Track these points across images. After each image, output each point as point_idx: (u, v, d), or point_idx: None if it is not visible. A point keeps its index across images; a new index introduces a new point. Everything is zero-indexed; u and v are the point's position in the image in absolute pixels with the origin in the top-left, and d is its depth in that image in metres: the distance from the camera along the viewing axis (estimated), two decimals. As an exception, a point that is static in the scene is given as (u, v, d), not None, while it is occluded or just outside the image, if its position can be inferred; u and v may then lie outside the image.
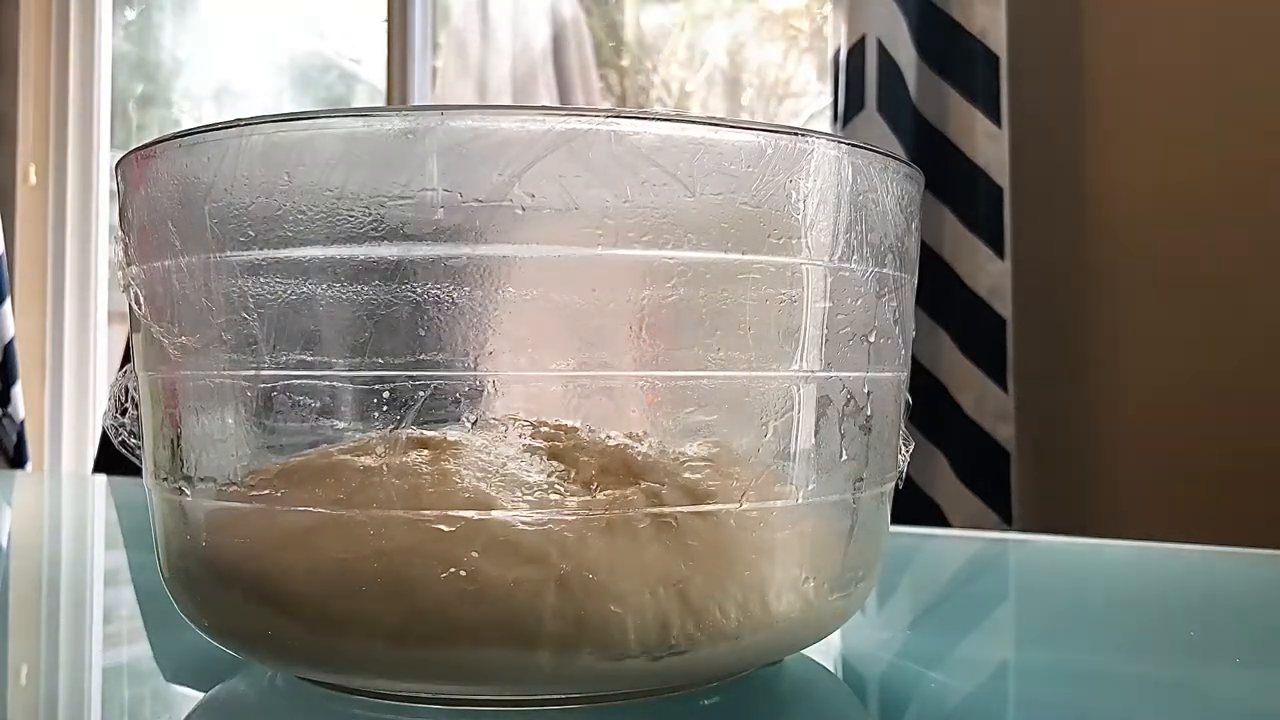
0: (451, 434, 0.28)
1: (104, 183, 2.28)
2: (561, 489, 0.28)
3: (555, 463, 0.29)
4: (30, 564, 0.58)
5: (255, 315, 0.29)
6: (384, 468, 0.28)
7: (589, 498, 0.28)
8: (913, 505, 1.25)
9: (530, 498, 0.28)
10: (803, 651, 0.35)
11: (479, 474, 0.28)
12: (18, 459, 2.00)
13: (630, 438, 0.29)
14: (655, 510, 0.28)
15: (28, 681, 0.37)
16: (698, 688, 0.31)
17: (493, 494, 0.28)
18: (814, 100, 1.90)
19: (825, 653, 0.37)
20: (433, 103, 0.33)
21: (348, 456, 0.29)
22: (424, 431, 0.28)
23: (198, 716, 0.32)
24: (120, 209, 0.34)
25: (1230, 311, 1.23)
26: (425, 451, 0.29)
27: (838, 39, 1.39)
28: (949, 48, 1.30)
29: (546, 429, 0.29)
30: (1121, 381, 1.29)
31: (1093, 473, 1.30)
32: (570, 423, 0.29)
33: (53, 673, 0.38)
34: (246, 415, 0.30)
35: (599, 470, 0.29)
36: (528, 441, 0.29)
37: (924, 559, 0.60)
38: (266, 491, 0.29)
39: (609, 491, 0.28)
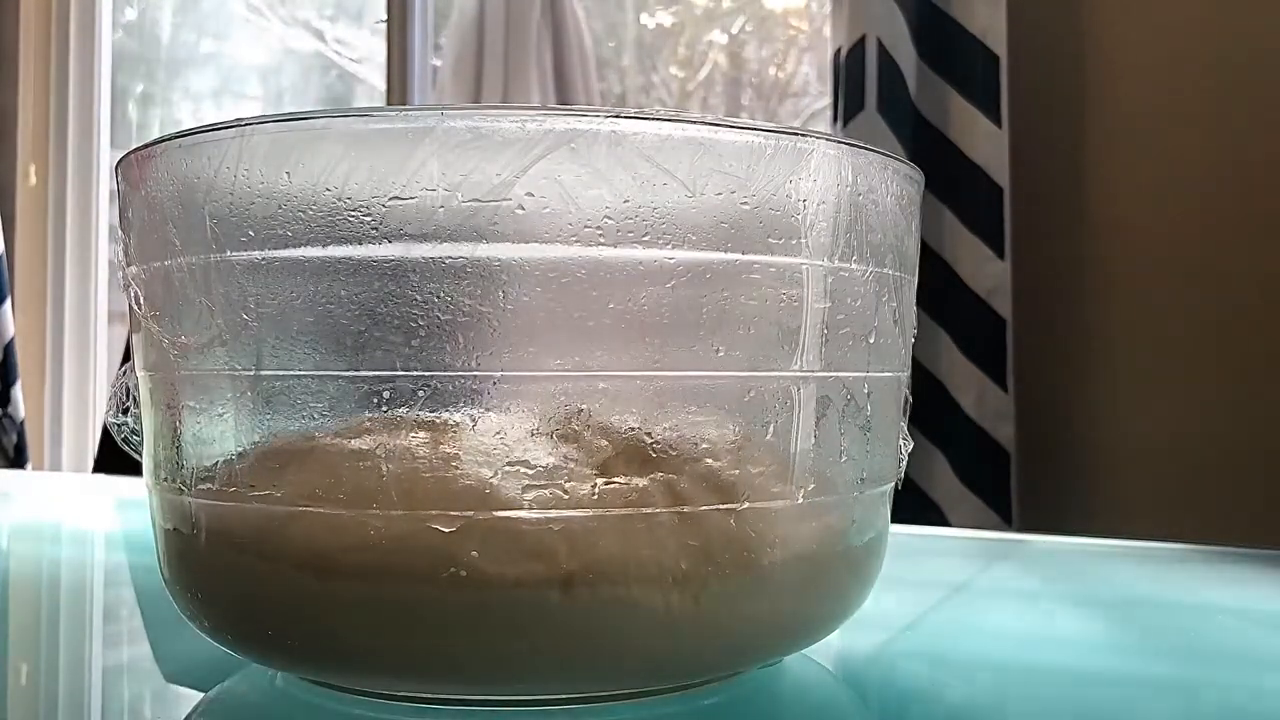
0: (454, 417, 0.28)
1: (104, 183, 2.28)
2: (570, 477, 0.28)
3: (565, 447, 0.28)
4: (30, 564, 0.58)
5: (255, 315, 0.29)
6: (384, 467, 0.28)
7: (598, 487, 0.28)
8: (913, 505, 1.25)
9: (536, 486, 0.28)
10: (803, 651, 0.35)
11: (480, 459, 0.28)
12: (18, 459, 2.00)
13: (645, 422, 0.29)
14: (670, 506, 0.28)
15: (28, 681, 0.37)
16: (698, 687, 0.31)
17: (496, 483, 0.28)
18: (814, 100, 1.90)
19: (825, 653, 0.37)
20: (433, 102, 0.33)
21: (346, 445, 0.29)
22: (425, 414, 0.28)
23: (198, 716, 0.32)
24: (120, 209, 0.34)
25: (1230, 311, 1.23)
26: (425, 435, 0.28)
27: (838, 39, 1.38)
28: (949, 48, 1.30)
29: (557, 414, 0.28)
30: (1121, 381, 1.29)
31: (1093, 473, 1.30)
32: (582, 405, 0.29)
33: (53, 673, 0.38)
34: (246, 415, 0.30)
35: (610, 459, 0.28)
36: (536, 424, 0.28)
37: (924, 559, 0.60)
38: (266, 491, 0.29)
39: (620, 479, 0.28)
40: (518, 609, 0.27)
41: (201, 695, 0.34)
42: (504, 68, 1.80)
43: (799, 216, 0.30)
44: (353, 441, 0.28)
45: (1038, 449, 1.30)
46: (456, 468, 0.28)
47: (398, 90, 1.92)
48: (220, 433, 0.30)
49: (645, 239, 0.28)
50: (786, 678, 0.34)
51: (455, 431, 0.28)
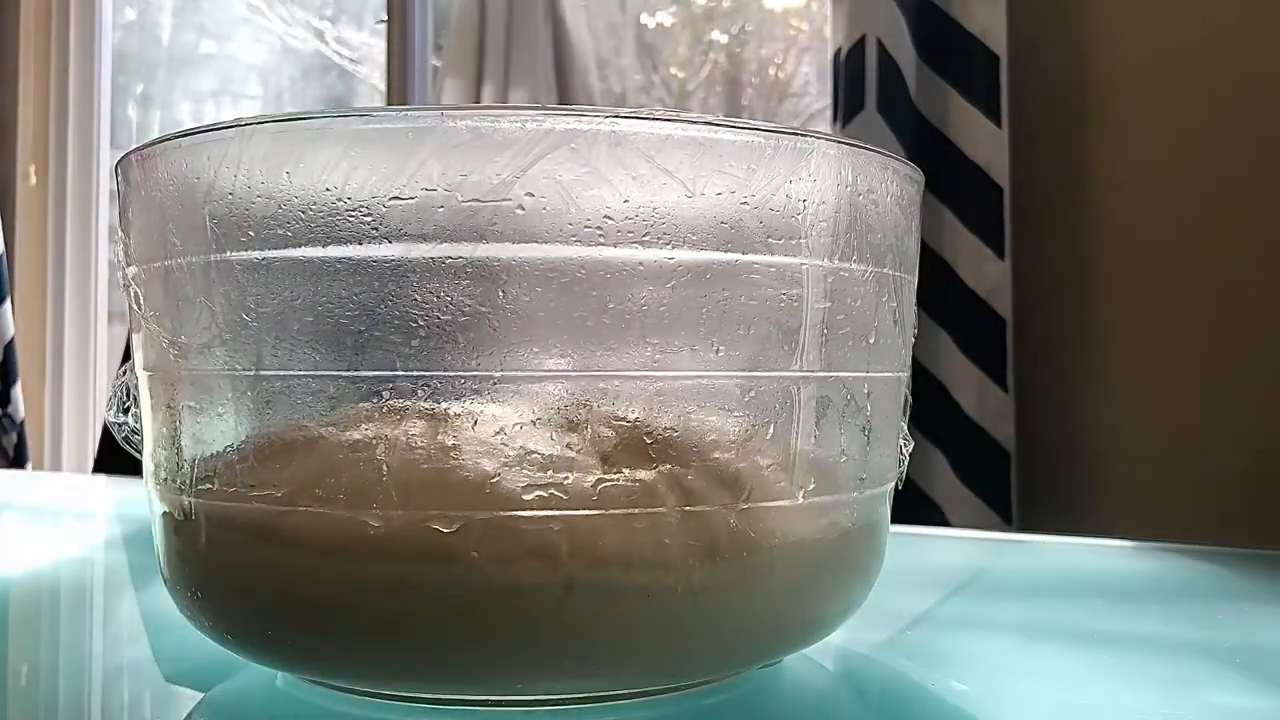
0: (455, 408, 0.28)
1: (104, 183, 2.28)
2: (572, 468, 0.28)
3: (567, 438, 0.28)
4: (31, 564, 0.58)
5: (255, 315, 0.29)
6: (384, 465, 0.28)
7: (599, 485, 0.28)
8: (913, 505, 1.25)
9: (537, 485, 0.28)
10: (803, 651, 0.35)
11: (481, 450, 0.28)
12: (18, 459, 2.00)
13: (644, 422, 0.29)
14: (670, 504, 0.28)
15: (28, 681, 0.37)
16: (698, 687, 0.31)
17: (496, 481, 0.28)
18: (814, 100, 1.90)
19: (825, 653, 0.37)
20: (433, 102, 0.33)
21: (345, 442, 0.29)
22: (426, 404, 0.28)
23: (198, 716, 0.32)
24: (120, 209, 0.34)
25: (1231, 311, 1.23)
26: (424, 428, 0.28)
27: (838, 39, 1.39)
28: (949, 48, 1.30)
29: (556, 413, 0.28)
30: (1121, 381, 1.29)
31: (1093, 473, 1.30)
32: (582, 405, 0.29)
33: (53, 673, 0.38)
34: (246, 415, 0.30)
35: (610, 453, 0.28)
36: (535, 421, 0.28)
37: (924, 559, 0.60)
38: (267, 491, 0.29)
39: (620, 477, 0.28)
40: (518, 608, 0.27)
41: (201, 695, 0.34)
42: (504, 68, 1.80)
43: (799, 216, 0.30)
44: (352, 437, 0.28)
45: (1038, 449, 1.30)
46: (456, 463, 0.28)
47: (398, 90, 1.92)
48: (220, 433, 0.30)
49: (645, 239, 0.28)
50: (786, 678, 0.34)
51: (455, 426, 0.28)
